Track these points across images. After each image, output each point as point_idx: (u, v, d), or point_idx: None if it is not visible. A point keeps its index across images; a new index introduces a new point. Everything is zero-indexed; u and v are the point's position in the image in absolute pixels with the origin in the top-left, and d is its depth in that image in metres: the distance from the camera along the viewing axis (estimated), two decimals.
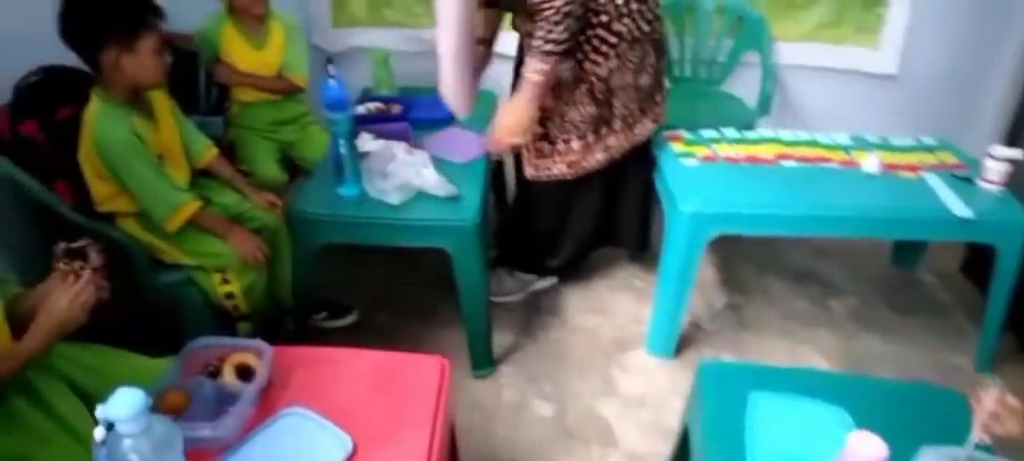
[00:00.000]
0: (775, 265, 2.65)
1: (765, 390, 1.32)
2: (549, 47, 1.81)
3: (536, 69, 1.86)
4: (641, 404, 2.02)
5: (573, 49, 1.92)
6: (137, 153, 1.74)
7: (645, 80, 2.06)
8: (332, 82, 1.84)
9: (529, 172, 2.13)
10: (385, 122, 2.33)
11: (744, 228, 1.97)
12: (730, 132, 2.33)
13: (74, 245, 1.34)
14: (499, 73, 2.32)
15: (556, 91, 1.99)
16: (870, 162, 2.10)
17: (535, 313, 2.38)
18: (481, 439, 1.89)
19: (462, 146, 2.16)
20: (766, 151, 2.20)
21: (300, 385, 1.33)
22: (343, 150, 1.90)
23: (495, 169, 2.61)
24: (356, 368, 1.39)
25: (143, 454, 0.92)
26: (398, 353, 1.42)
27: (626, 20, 1.93)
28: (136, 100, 1.79)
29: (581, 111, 2.03)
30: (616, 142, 2.11)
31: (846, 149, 2.22)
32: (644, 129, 2.15)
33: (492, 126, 2.02)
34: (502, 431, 1.92)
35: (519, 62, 2.10)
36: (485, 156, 2.16)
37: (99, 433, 0.92)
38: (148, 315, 1.92)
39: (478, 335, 2.05)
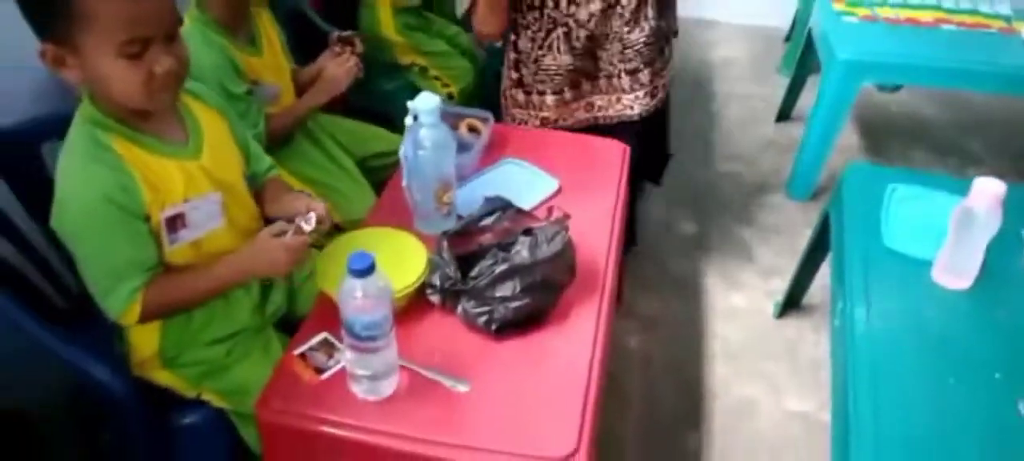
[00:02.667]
0: (920, 138, 2.77)
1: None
2: None
3: None
4: (776, 232, 2.28)
5: None
6: None
7: (638, 36, 1.73)
8: None
9: (507, 121, 1.89)
10: None
11: (894, 77, 2.15)
12: None
13: (345, 34, 1.76)
14: None
15: (531, 31, 1.73)
16: None
17: (685, 157, 2.65)
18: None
19: None
20: (926, 15, 2.32)
21: (512, 148, 1.68)
22: None
23: None
24: (555, 141, 1.73)
25: (432, 140, 1.30)
26: (588, 135, 1.75)
27: None
28: None
29: (557, 59, 1.74)
30: (602, 103, 1.82)
31: (1007, 18, 2.30)
32: (635, 103, 1.80)
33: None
34: (651, 239, 2.25)
35: None
36: None
37: (409, 119, 1.30)
38: (367, 114, 2.36)
39: None
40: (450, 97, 2.28)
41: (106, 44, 1.03)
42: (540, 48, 1.74)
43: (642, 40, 1.73)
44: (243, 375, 1.25)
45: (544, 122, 1.83)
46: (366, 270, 0.98)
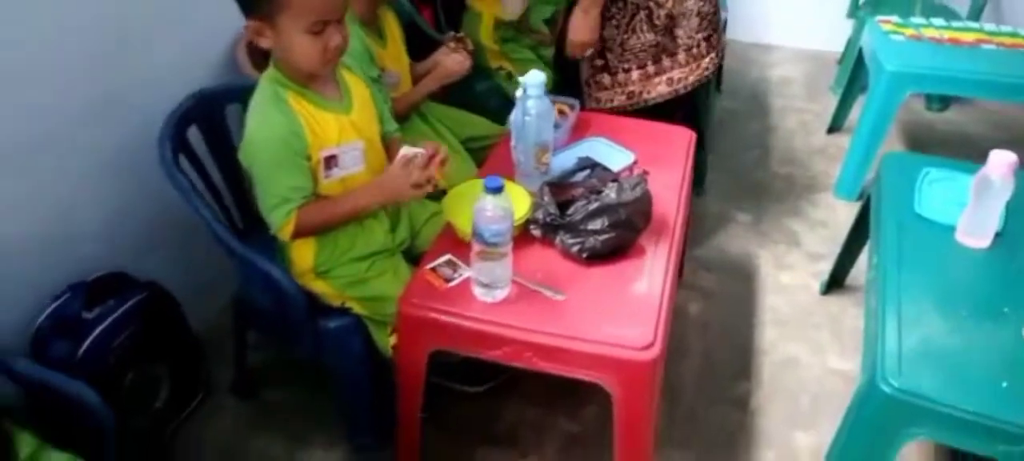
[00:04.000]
0: (965, 153, 2.95)
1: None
2: None
3: None
4: (823, 225, 2.52)
5: None
6: None
7: (709, 7, 2.04)
8: None
9: (590, 106, 2.15)
10: None
11: (936, 87, 2.38)
12: (938, 21, 2.68)
13: (459, 35, 2.10)
14: None
15: (615, 20, 2.00)
16: None
17: (744, 159, 2.90)
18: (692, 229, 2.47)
19: None
20: (968, 36, 2.54)
21: (594, 129, 1.98)
22: None
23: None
24: (631, 126, 2.00)
25: (536, 109, 1.60)
26: (660, 122, 2.03)
27: None
28: None
29: (640, 39, 2.02)
30: (681, 75, 2.09)
31: None
32: (710, 64, 2.13)
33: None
34: (710, 226, 2.51)
35: None
36: None
37: (519, 92, 1.61)
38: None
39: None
40: None
41: (297, 23, 1.37)
42: (624, 32, 2.00)
43: (711, 9, 2.04)
44: (379, 288, 1.56)
45: (630, 96, 2.08)
46: (498, 189, 1.28)
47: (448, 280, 1.44)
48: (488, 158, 1.89)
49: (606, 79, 2.10)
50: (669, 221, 1.61)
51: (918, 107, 3.27)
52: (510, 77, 2.63)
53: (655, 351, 1.32)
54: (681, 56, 2.07)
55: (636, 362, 1.31)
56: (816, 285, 2.24)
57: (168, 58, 1.77)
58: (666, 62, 2.07)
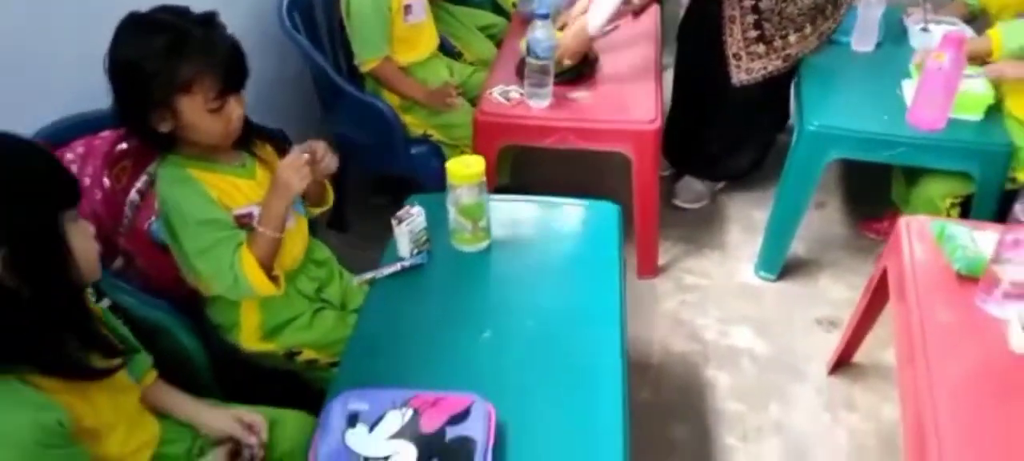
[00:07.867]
0: None
1: None
2: None
3: None
4: None
5: None
6: None
7: None
8: None
9: (741, 78, 2.12)
10: None
11: None
12: None
13: None
14: None
15: None
16: None
17: None
18: None
19: None
20: None
21: None
22: None
23: None
24: None
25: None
26: None
27: None
28: None
29: (799, 4, 2.01)
30: (827, 27, 2.13)
31: None
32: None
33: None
34: None
35: None
36: None
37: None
38: None
39: None
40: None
41: None
42: (782, 1, 2.00)
43: None
44: (452, 116, 2.13)
45: (786, 58, 2.08)
46: (545, 15, 1.86)
47: (507, 98, 2.02)
48: (505, 40, 2.45)
49: (760, 48, 2.07)
50: (650, 50, 2.22)
51: None
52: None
53: (657, 124, 1.94)
54: (829, 8, 2.10)
55: (646, 131, 1.93)
56: None
57: None
58: (818, 19, 2.09)
